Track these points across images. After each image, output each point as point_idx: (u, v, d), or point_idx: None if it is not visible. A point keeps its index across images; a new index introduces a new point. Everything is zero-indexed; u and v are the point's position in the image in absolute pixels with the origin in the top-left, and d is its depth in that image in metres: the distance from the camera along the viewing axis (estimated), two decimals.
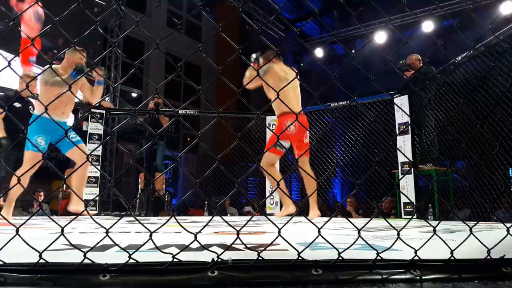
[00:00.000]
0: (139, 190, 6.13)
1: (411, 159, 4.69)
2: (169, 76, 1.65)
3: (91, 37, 8.41)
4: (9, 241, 0.94)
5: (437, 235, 1.12)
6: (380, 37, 9.44)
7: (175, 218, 1.03)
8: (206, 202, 6.42)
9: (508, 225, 1.20)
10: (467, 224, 1.21)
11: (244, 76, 3.48)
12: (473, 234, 1.15)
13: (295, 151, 3.58)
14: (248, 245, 1.11)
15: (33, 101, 4.42)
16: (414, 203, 4.55)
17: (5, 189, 4.65)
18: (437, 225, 1.18)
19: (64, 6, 1.04)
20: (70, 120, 6.35)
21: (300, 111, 3.34)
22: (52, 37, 7.40)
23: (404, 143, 4.82)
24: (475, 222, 1.29)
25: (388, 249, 1.06)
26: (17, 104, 4.29)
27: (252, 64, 3.41)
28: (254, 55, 3.57)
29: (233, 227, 1.05)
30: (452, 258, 0.97)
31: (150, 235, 0.96)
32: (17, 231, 0.92)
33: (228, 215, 6.62)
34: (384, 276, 0.90)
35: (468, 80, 4.16)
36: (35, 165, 2.75)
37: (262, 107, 1.49)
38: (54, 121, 1.39)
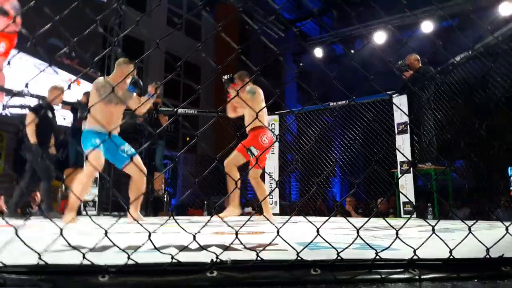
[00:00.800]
0: None
1: (410, 159, 4.69)
2: (168, 76, 1.65)
3: (90, 35, 8.37)
4: (8, 242, 0.93)
5: (436, 234, 1.12)
6: (380, 37, 9.43)
7: (174, 219, 1.03)
8: (205, 202, 6.41)
9: (507, 224, 1.20)
10: (466, 223, 1.21)
11: (229, 107, 3.87)
12: (472, 233, 1.15)
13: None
14: (247, 245, 1.11)
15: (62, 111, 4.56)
16: (414, 202, 4.55)
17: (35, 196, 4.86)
18: (436, 224, 1.18)
19: (76, 7, 1.03)
20: (69, 119, 6.36)
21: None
22: (64, 38, 7.34)
23: (403, 143, 4.82)
24: (474, 221, 1.29)
25: (387, 248, 1.06)
26: (50, 114, 4.44)
27: (229, 89, 3.59)
28: (226, 77, 3.66)
29: (232, 227, 1.05)
30: (451, 257, 0.97)
31: (149, 236, 0.96)
32: (16, 232, 0.92)
33: None
34: (383, 276, 0.90)
35: (467, 80, 4.16)
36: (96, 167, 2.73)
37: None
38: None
